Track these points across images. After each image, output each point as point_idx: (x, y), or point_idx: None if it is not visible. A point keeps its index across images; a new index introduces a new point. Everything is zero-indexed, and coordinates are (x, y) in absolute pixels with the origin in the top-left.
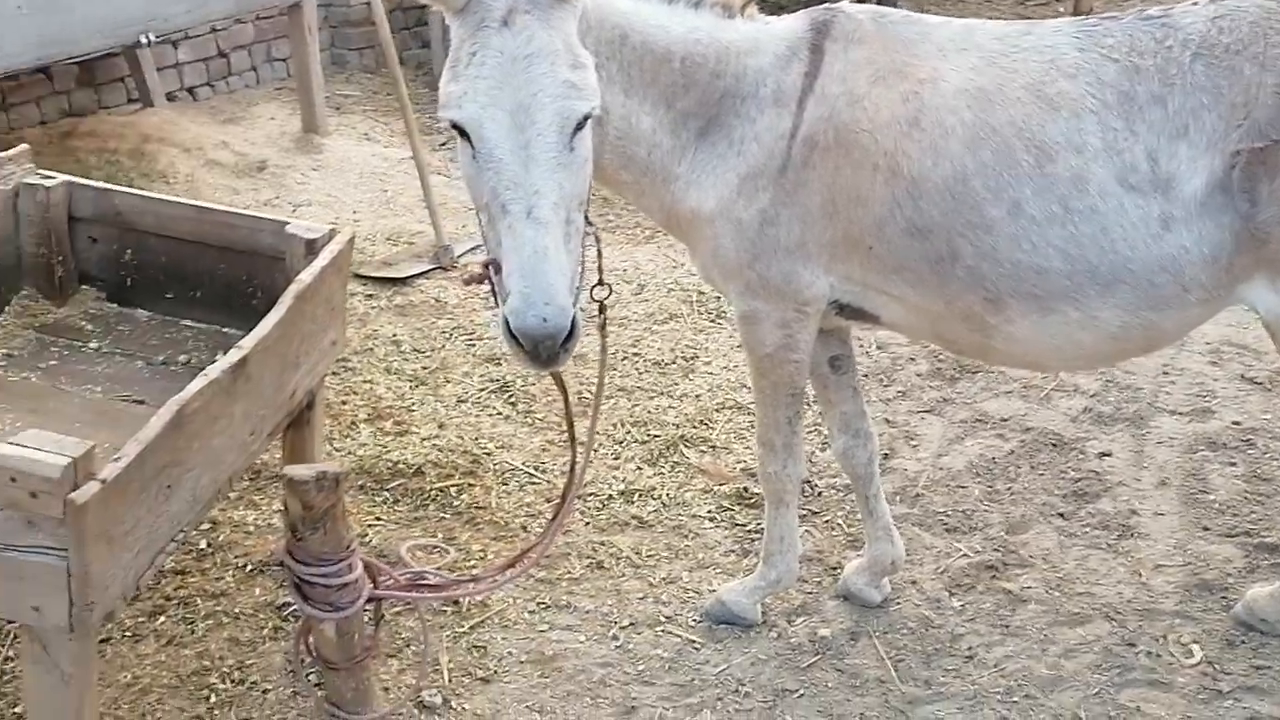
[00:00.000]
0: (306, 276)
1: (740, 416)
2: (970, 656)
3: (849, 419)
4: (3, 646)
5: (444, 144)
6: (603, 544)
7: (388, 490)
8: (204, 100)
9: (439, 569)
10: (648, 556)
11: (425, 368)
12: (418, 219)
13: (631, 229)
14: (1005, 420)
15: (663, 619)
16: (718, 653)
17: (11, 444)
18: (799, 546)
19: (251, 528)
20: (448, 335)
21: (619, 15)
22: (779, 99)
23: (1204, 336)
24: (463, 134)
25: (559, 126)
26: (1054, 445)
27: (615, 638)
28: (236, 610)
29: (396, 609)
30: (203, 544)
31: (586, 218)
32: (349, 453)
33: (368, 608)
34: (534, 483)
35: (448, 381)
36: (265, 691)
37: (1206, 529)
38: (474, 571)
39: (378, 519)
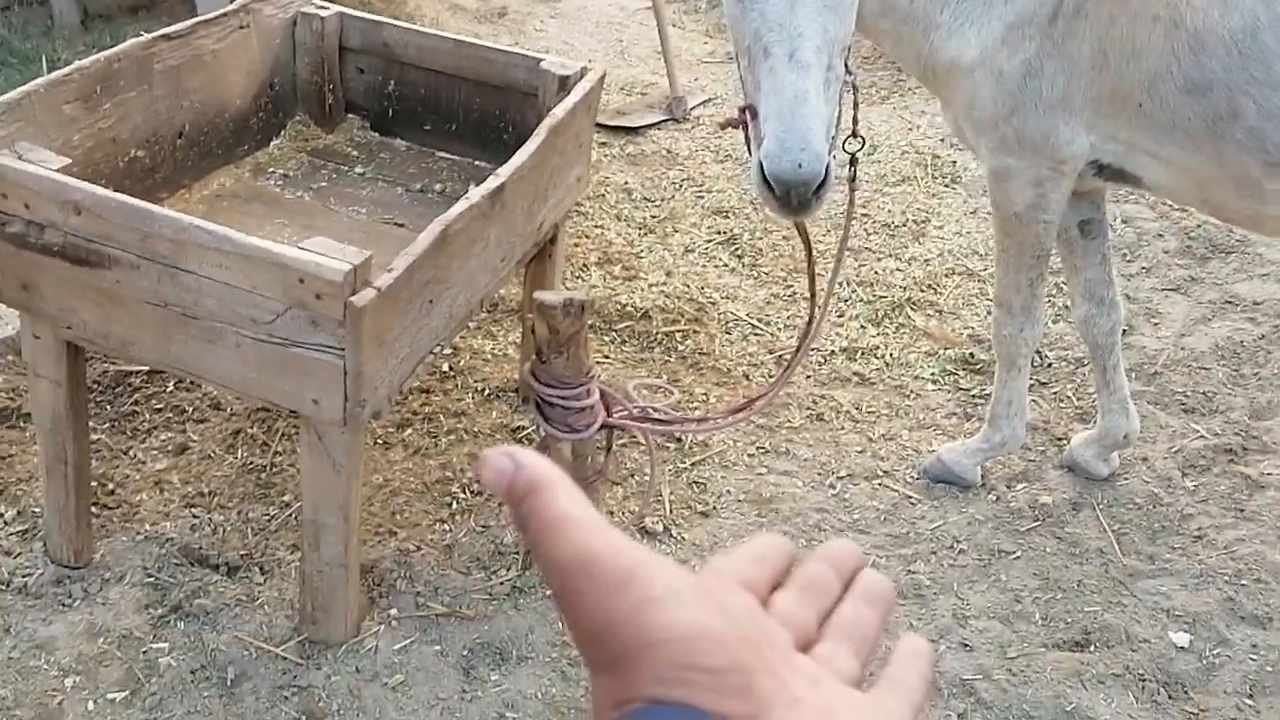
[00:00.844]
0: (560, 111)
1: (970, 283)
2: (1199, 536)
3: (1094, 286)
4: (273, 442)
5: None
6: (823, 397)
7: (616, 331)
8: None
9: (665, 407)
10: (868, 412)
11: (654, 216)
12: (652, 70)
13: (867, 88)
14: (1259, 304)
15: (880, 473)
16: (934, 509)
17: (301, 248)
18: (1027, 413)
19: (489, 356)
20: (677, 186)
21: None
22: None
23: None
24: None
25: None
26: None
27: (832, 486)
28: (475, 429)
29: (623, 441)
30: (445, 367)
31: (847, 66)
32: (580, 292)
33: (601, 434)
34: (757, 334)
35: (676, 231)
36: (501, 504)
37: None
38: (697, 413)
39: (606, 357)
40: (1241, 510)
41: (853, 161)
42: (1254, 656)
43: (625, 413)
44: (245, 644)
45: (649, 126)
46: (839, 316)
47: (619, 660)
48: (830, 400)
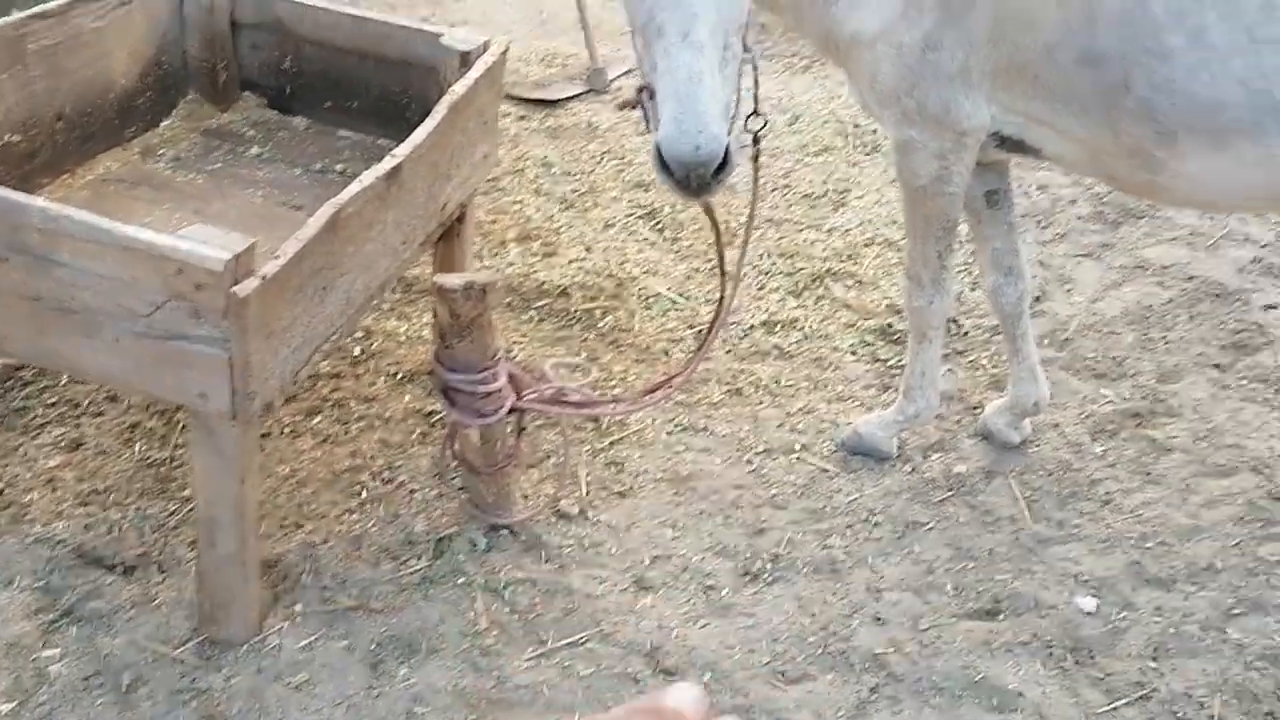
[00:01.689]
0: (460, 87)
1: (889, 252)
2: (1107, 501)
3: (1001, 256)
4: (173, 435)
5: None
6: (742, 371)
7: (534, 309)
8: None
9: (581, 387)
10: (786, 386)
11: (575, 190)
12: (572, 41)
13: (789, 57)
14: (1167, 268)
15: (797, 447)
16: (850, 482)
17: (179, 237)
18: (940, 383)
19: (403, 338)
20: (598, 159)
21: None
22: None
23: None
24: None
25: None
26: (1216, 295)
27: (749, 462)
28: (387, 415)
29: (539, 422)
30: (356, 351)
31: (745, 44)
32: (497, 270)
33: (511, 417)
34: (677, 309)
35: (596, 205)
36: (412, 491)
37: None
38: (615, 391)
39: (523, 336)
40: (1148, 474)
41: (756, 140)
42: (1158, 619)
43: (537, 395)
44: (141, 647)
45: (569, 99)
46: (759, 289)
47: None
48: (749, 375)
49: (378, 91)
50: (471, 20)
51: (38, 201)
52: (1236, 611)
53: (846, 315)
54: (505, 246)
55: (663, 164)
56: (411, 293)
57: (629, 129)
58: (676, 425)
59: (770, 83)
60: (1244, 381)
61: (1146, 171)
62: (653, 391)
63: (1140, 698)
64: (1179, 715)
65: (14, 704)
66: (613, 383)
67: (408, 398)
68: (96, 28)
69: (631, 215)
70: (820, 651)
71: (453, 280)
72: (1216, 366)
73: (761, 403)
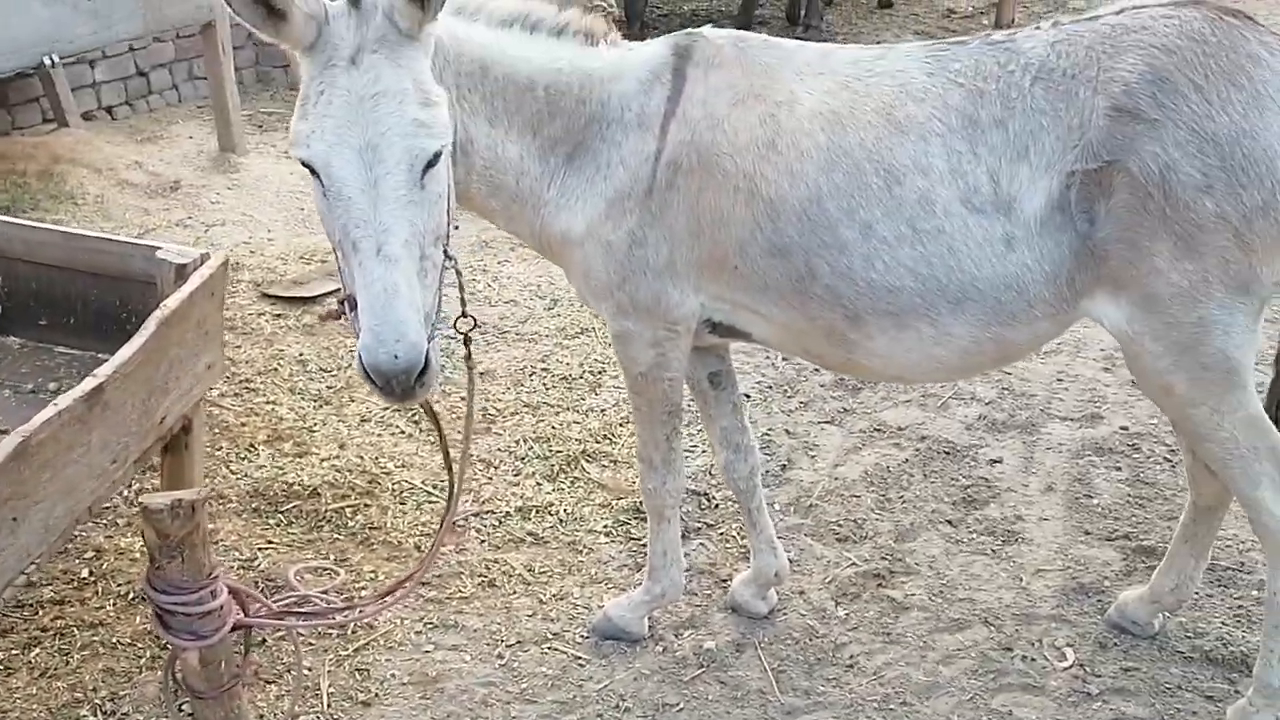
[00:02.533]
0: (172, 302)
1: None
2: (851, 665)
3: (729, 434)
4: None
5: None
6: (496, 561)
7: (282, 513)
8: (122, 120)
9: (326, 591)
10: (540, 573)
11: (330, 387)
12: None
13: None
14: (902, 429)
15: (550, 635)
16: (602, 668)
17: None
18: (683, 560)
19: (137, 554)
20: (354, 354)
21: (478, 48)
22: (643, 123)
23: (1099, 343)
24: (313, 172)
25: (408, 164)
26: (947, 453)
27: (500, 656)
28: (114, 640)
29: (280, 634)
30: (85, 572)
31: (446, 251)
32: (245, 475)
33: (236, 635)
34: (432, 502)
35: (352, 400)
36: None
37: (1088, 533)
38: (365, 592)
39: (269, 542)
40: (888, 634)
41: (467, 341)
42: None
43: (266, 610)
44: None
45: (327, 294)
46: (515, 475)
47: None
48: (503, 564)
49: (96, 307)
50: (230, 220)
51: None
52: None
53: (601, 496)
54: (255, 449)
55: (366, 372)
56: None
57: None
58: (426, 623)
59: (530, 268)
60: (974, 535)
61: (843, 350)
62: (389, 594)
63: None
64: None
65: None
66: (361, 583)
67: (139, 619)
68: None
69: (388, 408)
70: None
71: (158, 500)
72: (949, 522)
73: (515, 592)
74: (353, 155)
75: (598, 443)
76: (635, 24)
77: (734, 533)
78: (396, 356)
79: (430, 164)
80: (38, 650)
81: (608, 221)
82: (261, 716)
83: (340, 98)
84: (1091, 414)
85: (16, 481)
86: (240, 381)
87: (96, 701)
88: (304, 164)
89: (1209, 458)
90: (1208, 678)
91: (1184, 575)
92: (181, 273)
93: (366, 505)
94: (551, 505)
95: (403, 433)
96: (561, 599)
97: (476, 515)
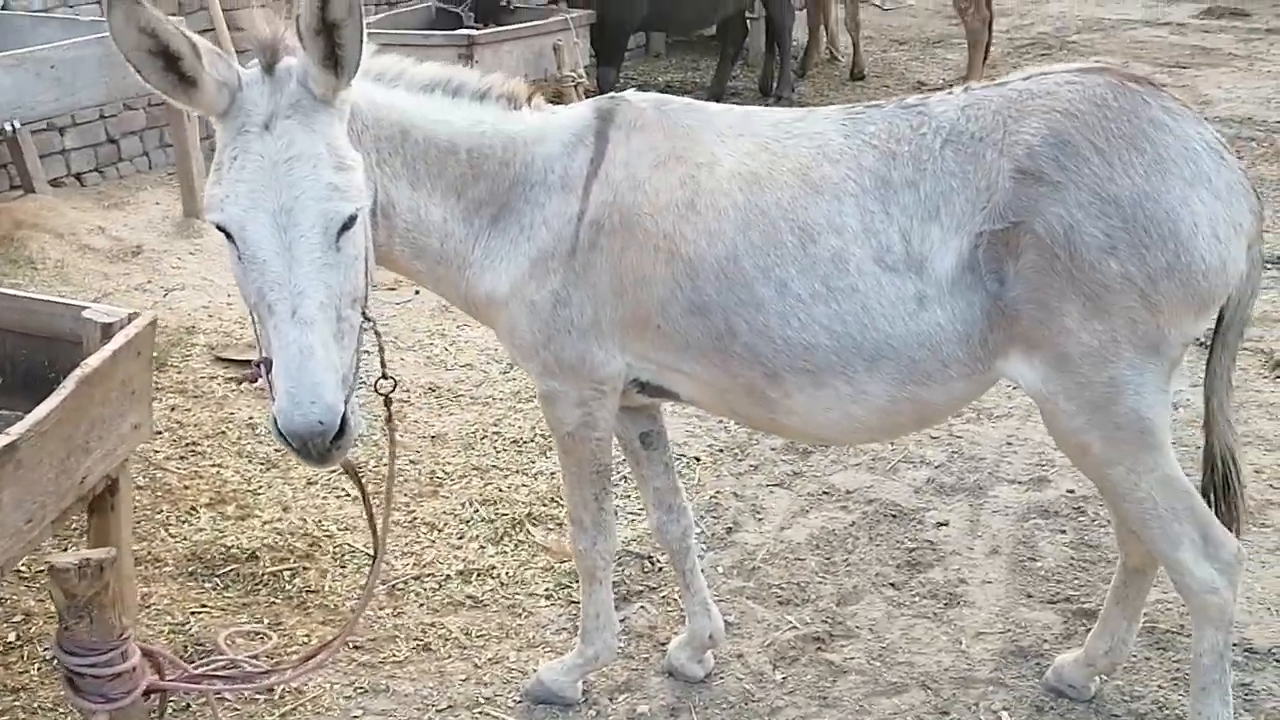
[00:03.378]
0: (94, 360)
1: None
2: None
3: (662, 494)
4: None
5: None
6: (433, 625)
7: (218, 576)
8: (91, 186)
9: (256, 656)
10: (477, 637)
11: (278, 450)
12: None
13: None
14: (850, 492)
15: (482, 700)
16: None
17: None
18: (616, 623)
19: None
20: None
21: (398, 112)
22: (566, 184)
23: None
24: (228, 236)
25: (322, 228)
26: (894, 516)
27: None
28: (36, 705)
29: (203, 700)
30: (11, 636)
31: (365, 313)
32: (183, 538)
33: (151, 699)
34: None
35: (303, 466)
36: None
37: (1030, 596)
38: (295, 656)
39: (203, 606)
40: (825, 698)
41: (388, 402)
42: None
43: (182, 673)
44: None
45: None
46: (459, 539)
47: None
48: (440, 628)
49: (24, 366)
50: (190, 285)
51: None
52: None
53: (544, 559)
54: (196, 512)
55: (282, 435)
56: None
57: None
58: (356, 688)
59: (488, 334)
60: (917, 598)
61: (765, 409)
62: (311, 658)
63: None
64: None
65: None
66: (294, 648)
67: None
68: None
69: (335, 471)
70: None
71: (65, 559)
72: (892, 585)
73: (450, 656)
74: (267, 219)
75: (544, 506)
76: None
77: (675, 596)
78: (312, 419)
79: (345, 227)
80: None
81: (532, 281)
82: None
83: (254, 163)
84: (1039, 477)
85: None
86: (187, 444)
87: None
88: (219, 228)
89: (1129, 518)
90: None
91: (1117, 637)
92: (107, 332)
93: (305, 568)
94: (494, 568)
95: (348, 496)
96: (497, 663)
97: (416, 579)
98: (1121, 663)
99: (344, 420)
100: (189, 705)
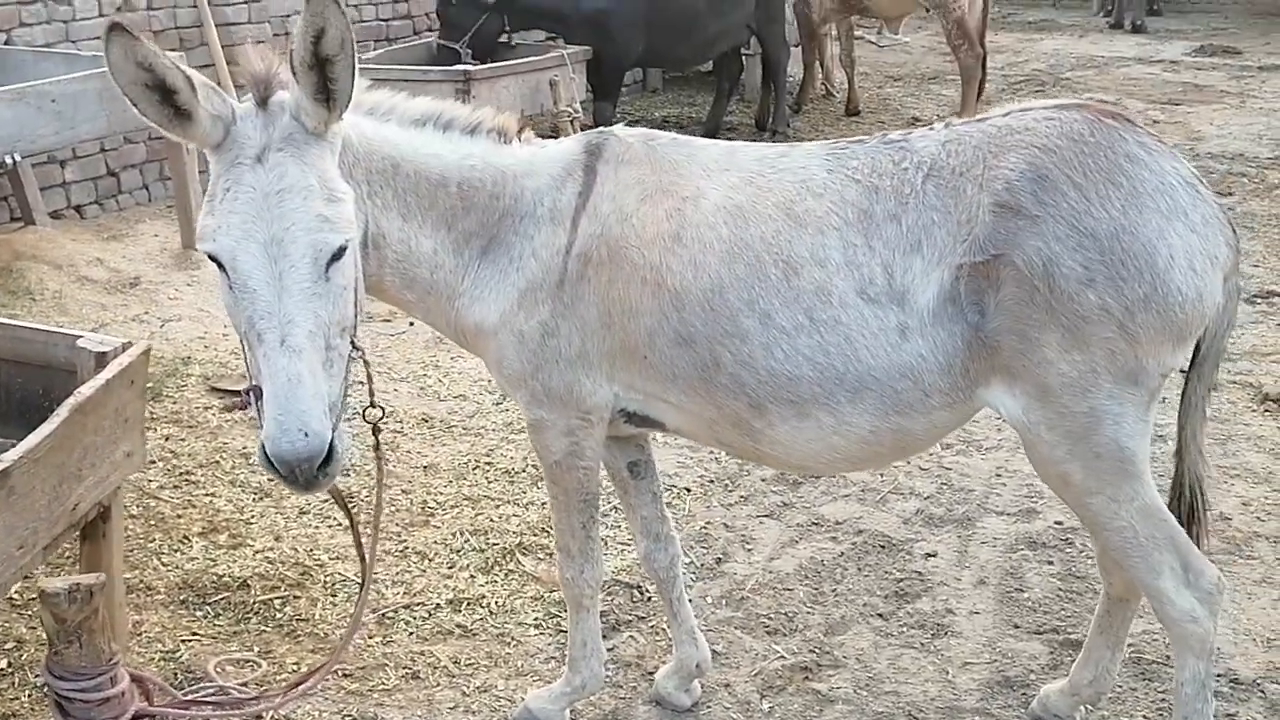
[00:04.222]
0: (87, 389)
1: None
2: None
3: (649, 523)
4: None
5: None
6: (422, 654)
7: (209, 604)
8: (91, 219)
9: (245, 683)
10: (466, 665)
11: (270, 479)
12: None
13: None
14: (840, 523)
15: None
16: None
17: None
18: (603, 651)
19: None
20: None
21: (389, 145)
22: (555, 217)
23: None
24: (220, 266)
25: (312, 258)
26: (883, 547)
27: None
28: None
29: None
30: (2, 663)
31: (354, 343)
32: (175, 567)
33: None
34: None
35: (292, 493)
36: None
37: (1017, 626)
38: (284, 684)
39: (194, 634)
40: None
41: (375, 431)
42: None
43: (171, 700)
44: None
45: None
46: (449, 568)
47: None
48: (429, 656)
49: (19, 395)
50: (186, 316)
51: None
52: None
53: (534, 588)
54: (188, 541)
55: (269, 461)
56: None
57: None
58: (345, 715)
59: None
60: (904, 628)
61: (749, 439)
62: (298, 684)
63: None
64: None
65: None
66: (283, 676)
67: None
68: None
69: (327, 500)
70: None
71: (55, 584)
72: (880, 615)
73: (439, 684)
74: (258, 249)
75: (535, 535)
76: None
77: (664, 626)
78: (299, 445)
79: (335, 257)
80: None
81: (520, 312)
82: None
83: (246, 194)
84: (1027, 509)
85: None
86: (180, 474)
87: None
88: (211, 258)
89: (1110, 547)
90: None
91: (1101, 666)
92: (101, 361)
93: (296, 597)
94: (483, 598)
95: (339, 525)
96: (485, 691)
97: (406, 607)
98: (1106, 692)
99: (331, 447)
100: None
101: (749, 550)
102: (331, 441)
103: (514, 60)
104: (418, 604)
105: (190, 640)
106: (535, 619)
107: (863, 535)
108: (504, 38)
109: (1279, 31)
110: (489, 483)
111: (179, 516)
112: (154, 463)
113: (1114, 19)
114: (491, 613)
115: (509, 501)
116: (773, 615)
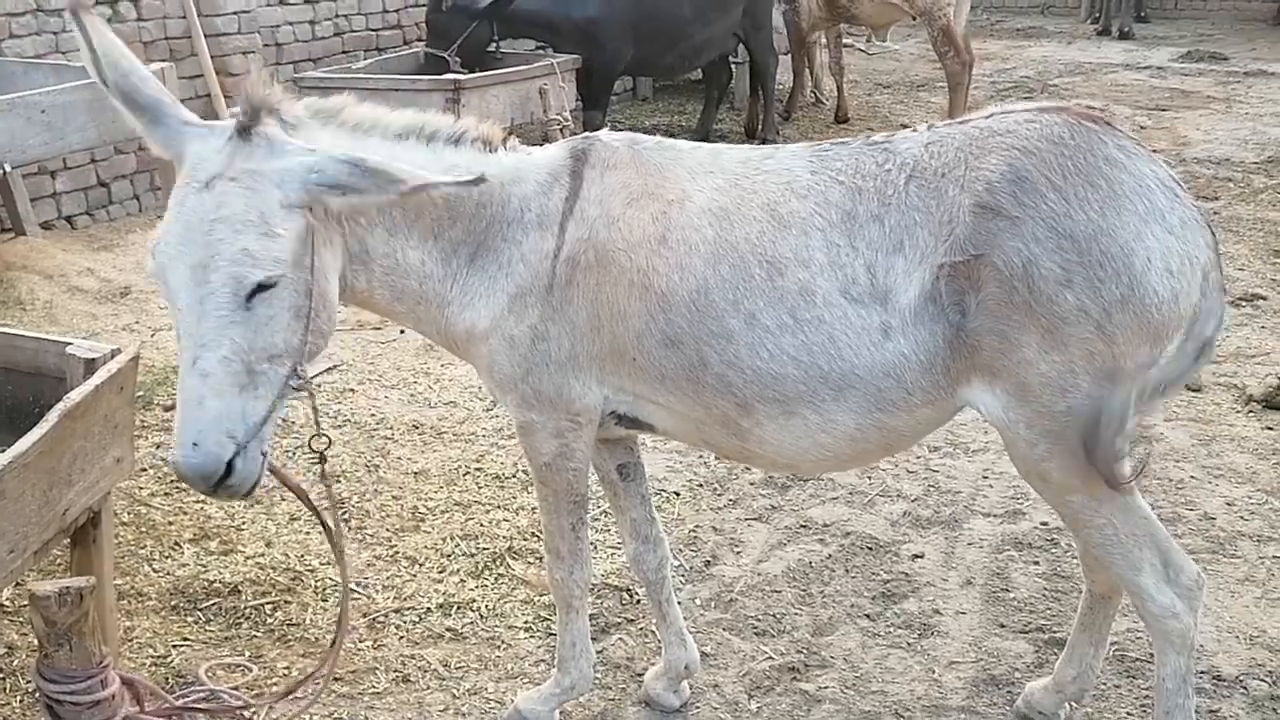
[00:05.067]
0: (76, 394)
1: None
2: None
3: (638, 525)
4: None
5: None
6: (412, 657)
7: (201, 610)
8: (82, 229)
9: (236, 688)
10: (456, 669)
11: (263, 487)
12: None
13: None
14: (828, 526)
15: None
16: None
17: None
18: (593, 653)
19: None
20: (290, 454)
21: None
22: (542, 222)
23: None
24: None
25: (232, 289)
26: (870, 549)
27: None
28: None
29: None
30: None
31: (299, 372)
32: (166, 573)
33: None
34: (354, 598)
35: (283, 499)
36: None
37: (1003, 626)
38: (275, 688)
39: (185, 639)
40: None
41: (322, 459)
42: None
43: (163, 704)
44: None
45: None
46: (440, 573)
47: None
48: (419, 660)
49: (10, 401)
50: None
51: None
52: None
53: (524, 592)
54: (179, 547)
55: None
56: None
57: (325, 422)
58: (336, 719)
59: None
60: (891, 628)
61: (737, 439)
62: (290, 691)
63: None
64: None
65: None
66: (274, 680)
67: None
68: None
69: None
70: None
71: (45, 587)
72: (867, 616)
73: (429, 688)
74: (186, 272)
75: (525, 540)
76: None
77: (653, 628)
78: (191, 460)
79: (261, 289)
80: None
81: (510, 316)
82: None
83: (185, 218)
84: (1014, 510)
85: None
86: (171, 481)
87: None
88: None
89: (1091, 544)
90: None
91: (1084, 663)
92: (91, 367)
93: (287, 602)
94: (474, 601)
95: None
96: (475, 694)
97: (397, 612)
98: (1090, 689)
99: (231, 466)
100: None
101: (737, 553)
102: (232, 460)
103: (504, 69)
104: (408, 608)
105: (182, 645)
106: (525, 623)
107: (850, 537)
108: (492, 46)
109: (1265, 37)
110: (479, 488)
111: (170, 523)
112: (145, 470)
113: (1102, 25)
114: (482, 616)
115: (499, 506)
116: (761, 617)
